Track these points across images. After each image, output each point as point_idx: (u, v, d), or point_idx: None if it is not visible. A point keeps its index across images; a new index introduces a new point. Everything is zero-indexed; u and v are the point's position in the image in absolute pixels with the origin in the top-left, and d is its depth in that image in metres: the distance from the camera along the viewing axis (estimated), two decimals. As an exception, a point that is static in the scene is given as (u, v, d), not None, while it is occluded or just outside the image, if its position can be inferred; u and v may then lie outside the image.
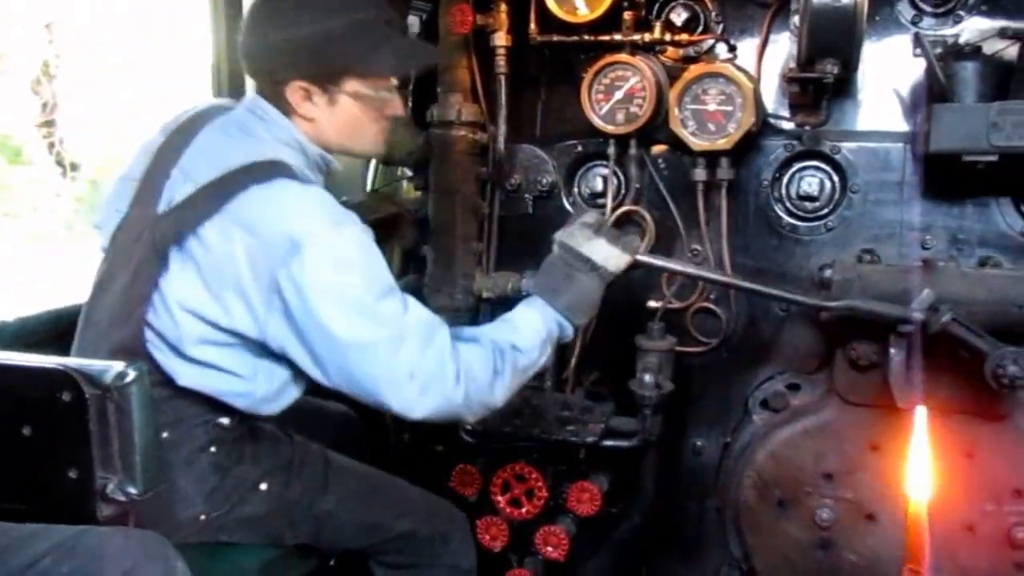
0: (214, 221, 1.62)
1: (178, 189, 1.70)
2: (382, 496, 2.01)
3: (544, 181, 2.52)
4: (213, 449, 1.77)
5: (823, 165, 2.35)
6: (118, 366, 1.51)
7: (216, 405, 1.75)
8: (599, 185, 2.48)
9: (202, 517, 1.77)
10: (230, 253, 1.61)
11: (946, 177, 2.20)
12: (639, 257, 1.97)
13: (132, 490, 1.54)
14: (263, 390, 1.75)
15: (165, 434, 1.71)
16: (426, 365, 1.64)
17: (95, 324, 1.78)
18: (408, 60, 1.93)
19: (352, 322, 1.60)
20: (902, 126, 2.30)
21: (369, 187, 2.73)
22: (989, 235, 2.23)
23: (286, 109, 1.76)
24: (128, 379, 1.51)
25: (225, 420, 1.77)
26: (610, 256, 1.90)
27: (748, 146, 2.32)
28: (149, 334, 1.69)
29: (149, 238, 1.68)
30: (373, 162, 2.71)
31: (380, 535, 1.98)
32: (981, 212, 2.23)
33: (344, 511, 1.92)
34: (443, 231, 2.42)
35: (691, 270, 2.26)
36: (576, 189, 2.54)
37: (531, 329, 1.81)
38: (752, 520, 2.35)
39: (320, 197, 1.66)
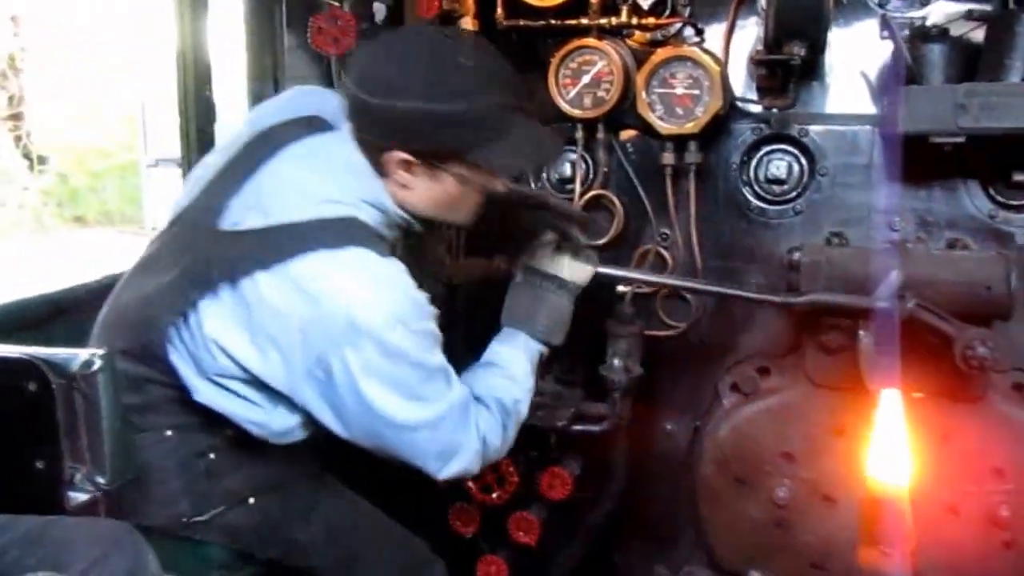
0: (275, 274, 1.56)
1: (246, 214, 1.63)
2: (363, 534, 1.97)
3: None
4: (212, 456, 1.73)
5: (791, 148, 2.34)
6: (84, 354, 1.49)
7: (227, 418, 1.70)
8: (567, 170, 2.46)
9: (183, 519, 1.74)
10: (285, 315, 1.56)
11: (914, 160, 2.20)
12: (600, 269, 2.00)
13: (100, 480, 1.52)
14: (279, 424, 1.70)
15: (168, 432, 1.69)
16: (457, 441, 1.68)
17: (124, 304, 1.73)
18: (526, 159, 1.84)
19: (397, 405, 1.60)
20: (870, 109, 2.29)
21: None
22: (957, 217, 2.23)
23: (381, 169, 1.66)
24: (94, 368, 1.49)
25: (231, 432, 1.72)
26: (575, 270, 1.95)
27: (716, 130, 2.31)
28: (174, 343, 1.64)
29: (203, 255, 1.63)
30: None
31: (348, 572, 1.94)
32: (949, 194, 2.23)
33: (320, 542, 1.89)
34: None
35: (649, 277, 2.27)
36: (544, 174, 2.52)
37: (524, 374, 1.86)
38: (710, 494, 2.36)
39: (389, 282, 1.60)
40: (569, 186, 2.44)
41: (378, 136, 1.63)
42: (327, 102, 1.80)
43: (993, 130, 1.98)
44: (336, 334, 1.54)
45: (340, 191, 1.64)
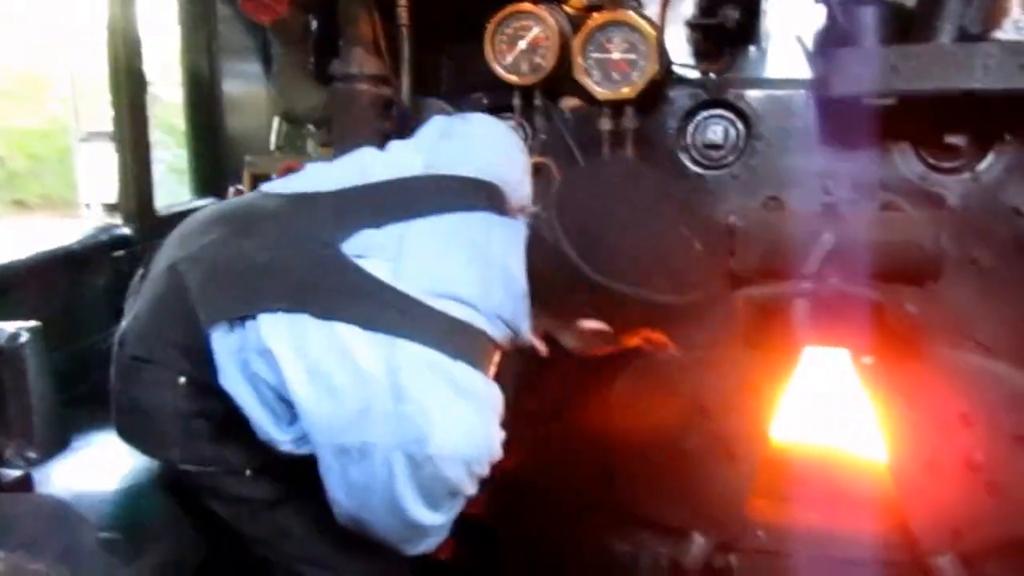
0: (375, 341, 1.45)
1: (375, 253, 1.54)
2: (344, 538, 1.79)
3: (450, 135, 2.47)
4: (216, 422, 1.64)
5: (728, 114, 2.35)
6: (10, 327, 1.45)
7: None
8: (506, 138, 2.44)
9: (176, 464, 1.68)
10: (359, 382, 1.45)
11: (848, 123, 2.22)
12: None
13: (31, 455, 1.49)
14: (288, 447, 1.59)
15: (181, 379, 1.60)
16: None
17: (221, 262, 1.59)
18: None
19: (422, 512, 1.49)
20: (805, 73, 2.30)
21: (273, 146, 2.65)
22: (890, 180, 2.25)
23: None
24: (21, 340, 1.45)
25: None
26: None
27: (653, 95, 2.31)
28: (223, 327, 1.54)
29: (310, 269, 1.54)
30: (276, 120, 2.63)
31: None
32: (882, 157, 2.26)
33: (303, 533, 1.76)
34: (349, 188, 2.36)
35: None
36: (484, 143, 2.49)
37: None
38: (617, 433, 2.38)
39: (481, 416, 1.49)
40: (508, 154, 2.42)
41: None
42: (514, 174, 1.77)
43: (924, 92, 2.00)
44: (399, 438, 1.43)
45: (480, 297, 1.54)
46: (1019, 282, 2.12)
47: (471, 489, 1.52)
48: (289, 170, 2.39)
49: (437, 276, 1.54)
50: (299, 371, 1.48)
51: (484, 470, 1.50)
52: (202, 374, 1.58)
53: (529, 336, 1.64)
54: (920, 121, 2.18)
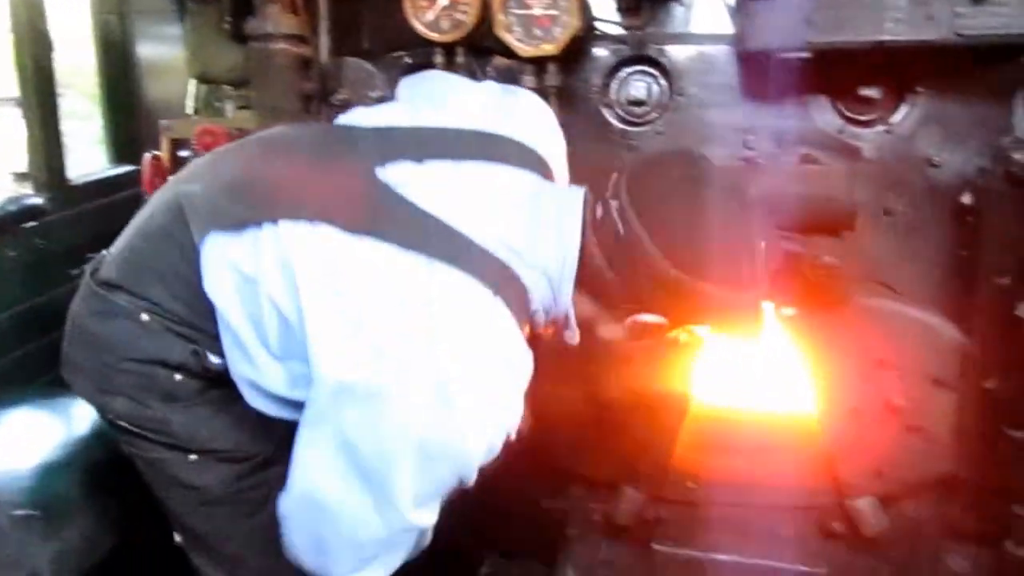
0: (412, 261, 1.36)
1: (415, 181, 1.46)
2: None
3: (373, 95, 2.41)
4: (178, 378, 1.52)
5: (650, 70, 2.34)
6: None
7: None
8: (429, 97, 2.41)
9: (107, 414, 1.57)
10: (390, 306, 1.34)
11: (767, 77, 2.24)
12: None
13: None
14: (266, 387, 1.48)
15: (144, 317, 1.48)
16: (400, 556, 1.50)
17: (203, 181, 1.51)
18: None
19: (415, 509, 1.39)
20: (726, 28, 2.31)
21: (190, 108, 2.57)
22: (807, 133, 2.27)
23: None
24: None
25: (214, 368, 1.52)
26: None
27: (576, 52, 2.29)
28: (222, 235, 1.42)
29: (337, 172, 1.47)
30: (192, 83, 2.55)
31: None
32: (800, 111, 2.28)
33: (237, 541, 1.66)
34: (269, 151, 2.30)
35: None
36: (407, 102, 2.46)
37: None
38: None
39: (510, 406, 1.42)
40: (431, 113, 2.38)
41: None
42: (559, 154, 1.76)
43: (839, 44, 2.02)
44: (422, 391, 1.31)
45: (527, 247, 1.48)
46: (931, 230, 2.18)
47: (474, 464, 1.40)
48: (207, 134, 2.33)
49: (483, 216, 1.45)
50: (318, 288, 1.36)
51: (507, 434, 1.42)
52: (174, 310, 1.47)
53: (568, 306, 1.54)
54: (836, 74, 2.20)
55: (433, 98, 1.82)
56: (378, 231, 1.39)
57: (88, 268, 1.58)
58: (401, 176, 1.48)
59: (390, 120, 1.66)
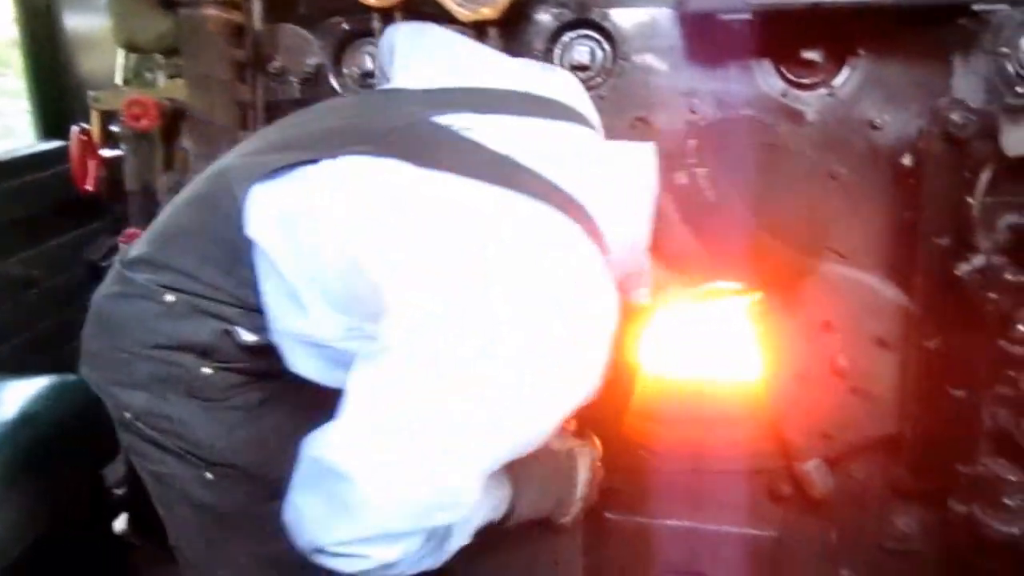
0: (483, 190, 1.32)
1: (475, 128, 1.42)
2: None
3: (310, 62, 2.35)
4: (205, 371, 1.41)
5: (594, 34, 2.31)
6: None
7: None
8: (368, 63, 2.34)
9: (124, 412, 1.46)
10: (465, 240, 1.27)
11: (710, 41, 2.22)
12: None
13: None
14: (321, 334, 1.35)
15: (169, 297, 1.38)
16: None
17: (248, 152, 1.45)
18: None
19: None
20: (670, -9, 2.29)
21: (119, 79, 2.47)
22: (751, 97, 2.26)
23: None
24: None
25: (245, 364, 1.42)
26: None
27: (517, 16, 2.25)
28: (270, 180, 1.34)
29: (394, 116, 1.42)
30: (121, 52, 2.45)
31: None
32: (743, 74, 2.26)
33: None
34: (201, 122, 2.22)
35: None
36: (345, 69, 2.39)
37: None
38: None
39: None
40: (371, 80, 2.32)
41: None
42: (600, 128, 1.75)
43: (779, 5, 2.01)
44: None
45: (596, 199, 1.42)
46: (874, 193, 2.18)
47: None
48: (136, 104, 2.25)
49: (553, 163, 1.37)
50: (381, 224, 1.29)
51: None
52: (206, 279, 1.36)
53: (644, 264, 1.53)
54: (779, 37, 2.18)
55: (466, 60, 1.80)
56: (444, 165, 1.33)
57: (119, 254, 1.50)
58: (464, 122, 1.44)
59: (434, 83, 1.62)
